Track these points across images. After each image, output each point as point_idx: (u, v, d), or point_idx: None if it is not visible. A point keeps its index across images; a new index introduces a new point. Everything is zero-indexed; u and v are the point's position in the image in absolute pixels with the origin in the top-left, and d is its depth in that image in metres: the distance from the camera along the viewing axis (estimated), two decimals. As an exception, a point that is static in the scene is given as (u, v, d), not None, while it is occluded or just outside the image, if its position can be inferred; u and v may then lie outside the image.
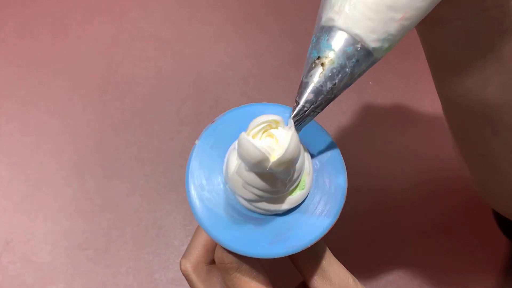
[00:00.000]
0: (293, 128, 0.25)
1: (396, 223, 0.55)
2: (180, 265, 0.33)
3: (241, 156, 0.25)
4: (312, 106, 0.25)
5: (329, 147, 0.30)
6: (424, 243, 0.54)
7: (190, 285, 0.33)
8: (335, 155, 0.30)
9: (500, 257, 0.53)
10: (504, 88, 0.31)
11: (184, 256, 0.33)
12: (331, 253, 0.31)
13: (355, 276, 0.32)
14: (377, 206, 0.56)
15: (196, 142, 0.31)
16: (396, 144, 0.59)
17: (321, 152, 0.30)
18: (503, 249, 0.53)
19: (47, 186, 0.57)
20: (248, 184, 0.27)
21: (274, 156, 0.24)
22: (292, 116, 0.25)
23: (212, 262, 0.33)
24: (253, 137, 0.25)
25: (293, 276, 0.33)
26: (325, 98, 0.24)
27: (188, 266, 0.33)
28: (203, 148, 0.30)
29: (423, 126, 0.61)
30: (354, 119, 0.61)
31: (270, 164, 0.24)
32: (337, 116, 0.61)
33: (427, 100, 0.62)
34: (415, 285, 0.52)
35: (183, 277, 0.51)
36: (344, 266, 0.32)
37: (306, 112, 0.25)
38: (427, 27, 0.31)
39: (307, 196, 0.29)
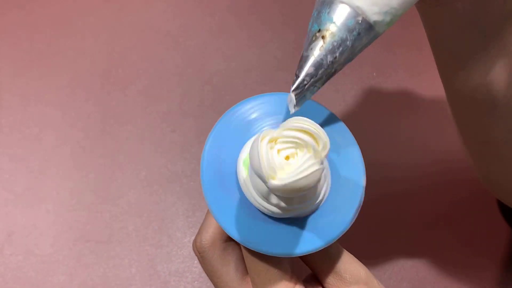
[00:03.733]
0: (322, 163, 0.23)
1: (400, 215, 0.54)
2: (195, 242, 0.32)
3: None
4: (312, 79, 0.24)
5: (350, 145, 0.29)
6: (428, 234, 0.53)
7: (203, 262, 0.32)
8: (355, 154, 0.29)
9: (505, 248, 0.53)
10: (508, 72, 0.31)
11: (199, 233, 0.32)
12: (345, 251, 0.31)
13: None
14: (380, 198, 0.55)
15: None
16: (400, 135, 0.59)
17: (341, 149, 0.29)
18: (508, 240, 0.53)
19: (49, 178, 0.57)
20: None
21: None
22: (292, 89, 0.24)
23: (228, 239, 0.33)
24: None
25: (302, 266, 0.33)
26: (325, 72, 0.24)
27: (204, 242, 0.32)
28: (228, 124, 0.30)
29: (427, 118, 0.60)
30: (357, 111, 0.61)
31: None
32: (340, 107, 0.61)
33: (431, 90, 0.61)
34: (420, 278, 0.52)
35: (185, 269, 0.52)
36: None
37: (306, 86, 0.24)
38: (428, 7, 0.30)
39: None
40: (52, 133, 0.59)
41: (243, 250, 0.30)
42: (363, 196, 0.28)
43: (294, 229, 0.28)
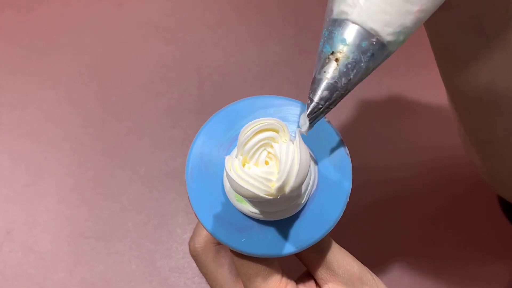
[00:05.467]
0: (300, 142, 0.23)
1: (401, 212, 0.54)
2: (189, 246, 0.33)
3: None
4: (327, 103, 0.24)
5: (336, 144, 0.29)
6: (429, 230, 0.53)
7: (198, 265, 0.33)
8: (342, 153, 0.29)
9: (506, 243, 0.53)
10: (510, 73, 0.31)
11: (193, 237, 0.33)
12: (335, 243, 0.31)
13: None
14: (381, 198, 0.55)
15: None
16: (398, 135, 0.59)
17: (326, 147, 0.29)
18: (509, 235, 0.53)
19: (48, 175, 0.56)
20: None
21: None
22: (307, 114, 0.24)
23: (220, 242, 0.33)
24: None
25: (298, 264, 0.33)
26: (339, 94, 0.24)
27: (197, 246, 0.32)
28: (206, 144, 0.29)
29: (424, 117, 0.60)
30: (355, 111, 0.61)
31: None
32: (338, 108, 0.60)
33: (429, 90, 0.61)
34: (421, 273, 0.51)
35: (185, 265, 0.51)
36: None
37: (321, 110, 0.24)
38: None
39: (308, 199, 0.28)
40: (51, 130, 0.59)
41: (232, 255, 0.30)
42: (349, 194, 0.28)
43: (281, 229, 0.28)
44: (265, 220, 0.27)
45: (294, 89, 0.61)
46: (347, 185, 0.28)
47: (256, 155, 0.24)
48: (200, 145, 0.29)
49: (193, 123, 0.59)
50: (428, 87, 0.61)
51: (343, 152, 0.28)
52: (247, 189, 0.23)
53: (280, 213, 0.27)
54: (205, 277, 0.33)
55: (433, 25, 0.31)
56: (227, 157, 0.24)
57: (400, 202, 0.55)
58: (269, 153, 0.24)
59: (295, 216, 0.28)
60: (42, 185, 0.56)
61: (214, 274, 0.32)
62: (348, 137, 0.58)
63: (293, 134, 0.26)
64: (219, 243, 0.33)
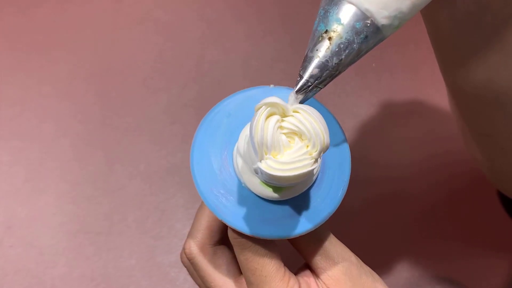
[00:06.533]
0: (316, 161, 0.23)
1: (401, 209, 0.54)
2: (184, 248, 0.33)
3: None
4: (316, 81, 0.24)
5: (335, 131, 0.29)
6: (428, 225, 0.53)
7: (195, 268, 0.33)
8: (341, 142, 0.29)
9: (506, 239, 0.53)
10: (509, 70, 0.31)
11: (188, 238, 0.33)
12: (332, 235, 0.31)
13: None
14: (381, 194, 0.55)
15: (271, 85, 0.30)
16: (397, 131, 0.59)
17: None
18: (509, 231, 0.53)
19: (48, 171, 0.56)
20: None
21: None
22: (295, 90, 0.24)
23: (217, 243, 0.33)
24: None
25: (295, 257, 0.33)
26: (329, 73, 0.24)
27: (193, 248, 0.32)
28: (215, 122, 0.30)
29: (424, 113, 0.60)
30: (355, 108, 0.61)
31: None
32: (337, 106, 0.61)
33: (428, 87, 0.61)
34: (419, 268, 0.52)
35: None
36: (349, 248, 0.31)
37: (310, 88, 0.24)
38: (430, 7, 0.30)
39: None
40: (51, 126, 0.59)
41: (236, 250, 0.30)
42: (348, 178, 0.29)
43: (286, 211, 0.28)
44: (268, 200, 0.28)
45: (293, 84, 0.61)
46: (347, 167, 0.29)
47: (278, 143, 0.23)
48: (204, 132, 0.30)
49: (193, 119, 0.59)
50: (428, 84, 0.61)
51: (342, 136, 0.29)
52: (294, 172, 0.22)
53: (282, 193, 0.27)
54: (202, 281, 0.33)
55: (433, 21, 0.32)
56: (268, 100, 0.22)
57: (400, 198, 0.55)
58: (288, 133, 0.23)
59: (297, 199, 0.28)
60: (42, 181, 0.56)
61: (212, 275, 0.32)
62: (348, 134, 0.58)
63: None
64: (215, 244, 0.33)
